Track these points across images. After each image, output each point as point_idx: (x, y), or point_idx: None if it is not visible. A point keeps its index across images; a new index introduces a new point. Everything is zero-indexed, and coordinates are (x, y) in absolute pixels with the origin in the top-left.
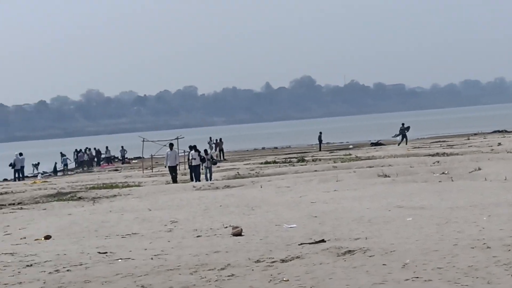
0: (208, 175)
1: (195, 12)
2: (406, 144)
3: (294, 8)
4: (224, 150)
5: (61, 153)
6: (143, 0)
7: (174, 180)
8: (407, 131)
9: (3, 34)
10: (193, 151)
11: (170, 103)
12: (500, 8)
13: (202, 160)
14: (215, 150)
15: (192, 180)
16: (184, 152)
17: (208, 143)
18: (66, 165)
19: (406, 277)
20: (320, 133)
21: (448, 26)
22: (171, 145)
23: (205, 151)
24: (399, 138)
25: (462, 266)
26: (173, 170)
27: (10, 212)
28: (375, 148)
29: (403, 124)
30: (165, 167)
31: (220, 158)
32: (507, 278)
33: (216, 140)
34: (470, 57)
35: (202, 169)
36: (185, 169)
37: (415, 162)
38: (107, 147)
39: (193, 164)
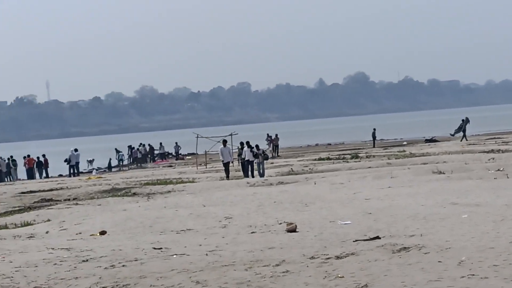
0: (261, 171)
1: (248, 7)
2: (465, 140)
3: (348, 3)
4: (279, 147)
5: (116, 149)
6: None
7: (227, 176)
8: (467, 123)
9: (58, 31)
10: (245, 147)
11: (223, 99)
12: None
13: (255, 155)
14: (269, 146)
15: (245, 176)
16: (238, 148)
17: (266, 139)
18: (121, 160)
19: (462, 275)
20: (374, 129)
21: (503, 21)
22: (224, 142)
23: (257, 146)
24: (459, 134)
25: None
26: (227, 165)
27: (65, 208)
28: (429, 144)
29: (463, 120)
30: (222, 162)
31: (274, 154)
32: None
33: (271, 136)
34: None
35: (254, 164)
36: (238, 165)
37: (470, 159)
38: (161, 143)
39: (245, 160)
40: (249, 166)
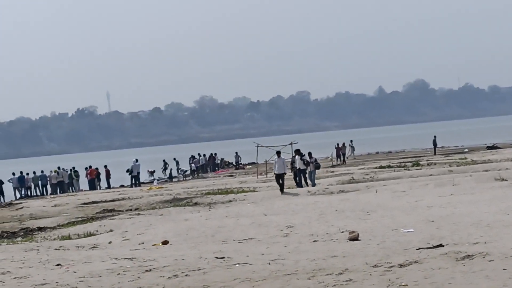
0: (311, 179)
1: (305, 16)
2: None
3: (406, 10)
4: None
5: (175, 160)
6: (255, 3)
7: (281, 188)
8: None
9: (117, 42)
10: (297, 156)
11: (283, 108)
12: None
13: (306, 164)
14: (335, 155)
15: (296, 184)
16: (292, 157)
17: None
18: (182, 170)
19: None
20: (435, 137)
21: None
22: (278, 153)
23: (309, 154)
24: None
25: None
26: (279, 177)
27: (127, 218)
28: (491, 151)
29: None
30: (274, 173)
31: (341, 161)
32: None
33: (338, 144)
34: None
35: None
36: (291, 173)
37: None
38: (236, 153)
39: (297, 169)
40: (301, 175)
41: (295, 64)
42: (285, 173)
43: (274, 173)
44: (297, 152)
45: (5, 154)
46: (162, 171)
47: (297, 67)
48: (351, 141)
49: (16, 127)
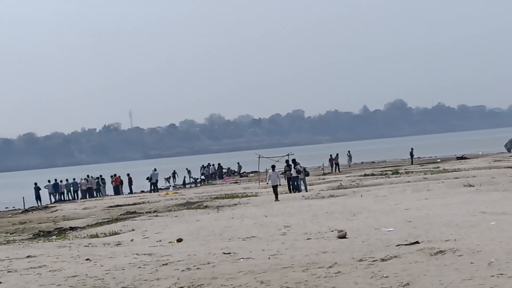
0: (303, 185)
1: (301, 45)
2: None
3: (387, 39)
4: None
5: (187, 169)
6: (256, 37)
7: (276, 197)
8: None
9: (137, 66)
10: (292, 166)
11: (281, 124)
12: None
13: (298, 172)
14: (329, 164)
15: (290, 190)
16: (284, 167)
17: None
18: (194, 178)
19: (492, 274)
20: (412, 149)
21: None
22: (273, 167)
23: (294, 161)
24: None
25: None
26: (275, 188)
27: (147, 219)
28: (460, 161)
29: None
30: (267, 183)
31: (336, 170)
32: None
33: (331, 155)
34: None
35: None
36: (285, 180)
37: (496, 173)
38: (238, 163)
39: (291, 176)
40: (294, 181)
41: (292, 86)
42: (279, 185)
43: (270, 184)
44: (293, 161)
45: (42, 164)
46: (166, 179)
47: (293, 89)
48: (349, 151)
49: (51, 141)
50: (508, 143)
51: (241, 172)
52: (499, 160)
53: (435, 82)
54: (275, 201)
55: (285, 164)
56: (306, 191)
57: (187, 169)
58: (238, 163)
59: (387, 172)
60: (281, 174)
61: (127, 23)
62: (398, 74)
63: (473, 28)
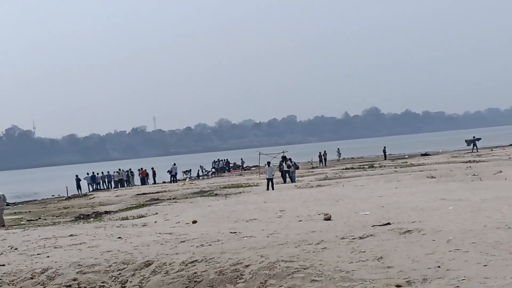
0: (293, 177)
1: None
2: (476, 151)
3: (361, 55)
4: (327, 160)
5: (200, 166)
6: (256, 54)
7: (270, 187)
8: (478, 141)
9: (160, 75)
10: (284, 161)
11: (277, 127)
12: None
13: (288, 167)
14: (318, 160)
15: (284, 181)
16: (280, 161)
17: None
18: (205, 171)
19: (450, 249)
20: (384, 147)
21: (473, 64)
22: (268, 163)
23: (284, 158)
24: (470, 146)
25: (490, 241)
26: (269, 180)
27: (168, 205)
28: (424, 157)
29: (474, 136)
30: (266, 178)
31: (323, 165)
32: None
33: (320, 152)
34: (490, 88)
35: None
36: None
37: (453, 167)
38: (241, 159)
39: (284, 170)
40: (286, 174)
41: (286, 95)
42: (273, 177)
43: (266, 178)
44: (284, 158)
45: (82, 160)
46: (184, 172)
47: (287, 97)
48: (338, 148)
49: (90, 141)
50: (469, 141)
51: (244, 166)
52: (456, 156)
53: (404, 92)
54: (266, 190)
55: (280, 160)
56: (295, 181)
57: (200, 166)
58: (242, 159)
59: (364, 166)
60: (276, 168)
61: (156, 41)
62: (373, 85)
63: (433, 47)
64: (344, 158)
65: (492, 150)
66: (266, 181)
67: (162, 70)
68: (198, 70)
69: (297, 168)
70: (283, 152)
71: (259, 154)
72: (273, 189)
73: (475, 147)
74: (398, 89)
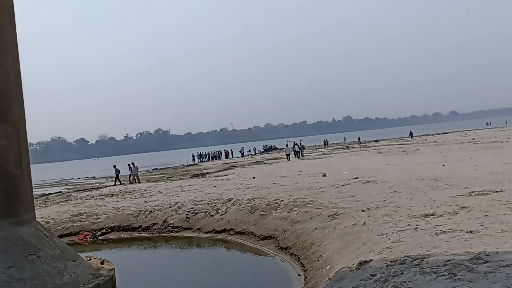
0: (303, 154)
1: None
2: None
3: (329, 69)
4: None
5: (254, 147)
6: (257, 74)
7: (289, 159)
8: (411, 136)
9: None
10: (295, 145)
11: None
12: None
13: (299, 148)
14: (323, 144)
15: (296, 157)
16: (293, 145)
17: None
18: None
19: (391, 191)
20: (359, 137)
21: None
22: (286, 145)
23: (295, 144)
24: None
25: (413, 186)
26: (287, 155)
27: (239, 168)
28: (376, 142)
29: (410, 131)
30: (285, 154)
31: (326, 146)
32: (429, 189)
33: (294, 143)
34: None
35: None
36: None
37: (393, 148)
38: (270, 145)
39: (295, 150)
40: (297, 153)
41: (280, 104)
42: (289, 154)
43: (285, 154)
44: (295, 143)
45: (194, 145)
46: (249, 151)
47: (281, 105)
48: (326, 139)
49: (199, 135)
50: (410, 134)
51: (280, 148)
52: (395, 142)
53: (368, 101)
54: (287, 161)
55: (294, 144)
56: (303, 156)
57: (254, 147)
58: (274, 144)
59: (344, 147)
60: (291, 148)
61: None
62: (344, 100)
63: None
64: (332, 143)
65: (420, 138)
66: (285, 156)
67: (180, 81)
68: (225, 80)
69: (304, 148)
70: (300, 140)
71: (287, 141)
72: (289, 160)
73: (411, 136)
74: (363, 100)
